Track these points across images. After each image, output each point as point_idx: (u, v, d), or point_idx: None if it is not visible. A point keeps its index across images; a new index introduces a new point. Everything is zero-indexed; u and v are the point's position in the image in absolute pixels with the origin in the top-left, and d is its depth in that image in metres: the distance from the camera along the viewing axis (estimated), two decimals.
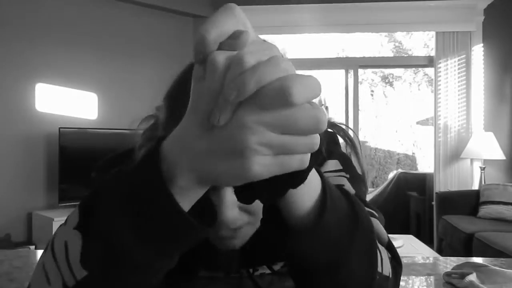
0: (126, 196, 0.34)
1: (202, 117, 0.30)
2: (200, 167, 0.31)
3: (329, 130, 0.67)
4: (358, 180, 0.63)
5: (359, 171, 0.65)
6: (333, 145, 0.64)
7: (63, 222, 0.42)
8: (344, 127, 0.69)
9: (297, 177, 0.34)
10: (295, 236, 0.39)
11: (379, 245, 0.47)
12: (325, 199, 0.38)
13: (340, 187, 0.45)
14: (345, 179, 0.62)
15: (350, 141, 0.67)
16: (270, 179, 0.31)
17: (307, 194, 0.38)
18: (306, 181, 0.35)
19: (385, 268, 0.47)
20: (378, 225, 0.53)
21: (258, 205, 0.47)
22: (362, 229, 0.41)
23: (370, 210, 0.55)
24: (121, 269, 0.35)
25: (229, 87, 0.27)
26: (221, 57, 0.28)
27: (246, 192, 0.35)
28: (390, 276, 0.47)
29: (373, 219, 0.53)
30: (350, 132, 0.69)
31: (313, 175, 0.38)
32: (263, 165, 0.29)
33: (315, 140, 0.30)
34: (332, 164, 0.63)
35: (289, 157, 0.29)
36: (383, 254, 0.47)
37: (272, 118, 0.28)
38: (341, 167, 0.61)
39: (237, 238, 0.54)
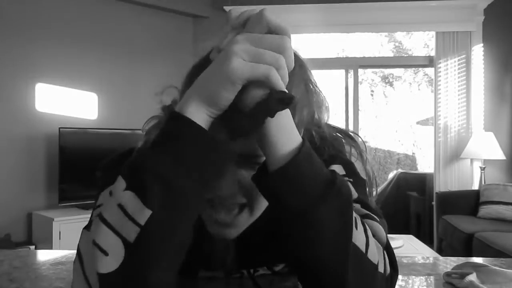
0: (158, 144, 0.45)
1: (215, 54, 0.48)
2: (201, 89, 0.46)
3: (336, 135, 0.68)
4: (362, 185, 0.64)
5: (364, 177, 0.66)
6: (338, 150, 0.65)
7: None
8: (351, 133, 0.70)
9: (272, 107, 0.45)
10: (273, 174, 0.47)
11: (373, 236, 0.49)
12: (300, 150, 0.47)
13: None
14: (348, 183, 0.63)
15: (356, 147, 0.68)
16: (251, 112, 0.45)
17: (286, 139, 0.47)
18: (284, 129, 0.47)
19: (372, 254, 0.48)
20: (378, 229, 0.54)
21: (256, 192, 0.50)
22: (336, 192, 0.46)
23: (369, 213, 0.56)
24: (176, 199, 0.43)
25: (230, 22, 0.49)
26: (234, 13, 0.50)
27: (234, 125, 0.46)
28: (379, 268, 0.48)
29: (374, 222, 0.54)
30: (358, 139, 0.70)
31: (294, 132, 0.48)
32: (240, 63, 0.44)
33: (280, 58, 0.46)
34: (336, 169, 0.64)
35: (259, 64, 0.44)
36: (371, 241, 0.49)
37: (252, 36, 0.46)
38: (344, 172, 0.62)
39: (234, 227, 0.57)
